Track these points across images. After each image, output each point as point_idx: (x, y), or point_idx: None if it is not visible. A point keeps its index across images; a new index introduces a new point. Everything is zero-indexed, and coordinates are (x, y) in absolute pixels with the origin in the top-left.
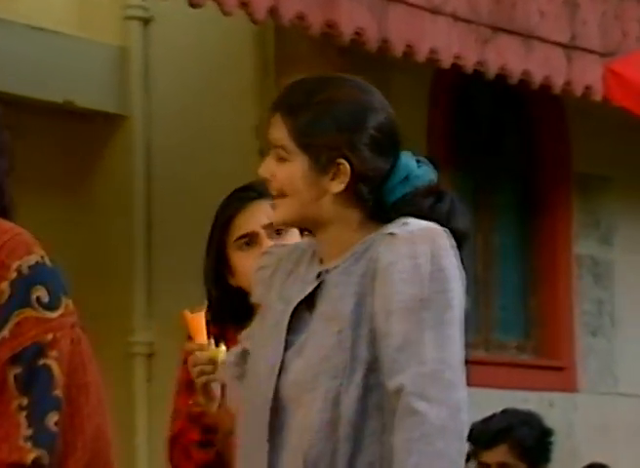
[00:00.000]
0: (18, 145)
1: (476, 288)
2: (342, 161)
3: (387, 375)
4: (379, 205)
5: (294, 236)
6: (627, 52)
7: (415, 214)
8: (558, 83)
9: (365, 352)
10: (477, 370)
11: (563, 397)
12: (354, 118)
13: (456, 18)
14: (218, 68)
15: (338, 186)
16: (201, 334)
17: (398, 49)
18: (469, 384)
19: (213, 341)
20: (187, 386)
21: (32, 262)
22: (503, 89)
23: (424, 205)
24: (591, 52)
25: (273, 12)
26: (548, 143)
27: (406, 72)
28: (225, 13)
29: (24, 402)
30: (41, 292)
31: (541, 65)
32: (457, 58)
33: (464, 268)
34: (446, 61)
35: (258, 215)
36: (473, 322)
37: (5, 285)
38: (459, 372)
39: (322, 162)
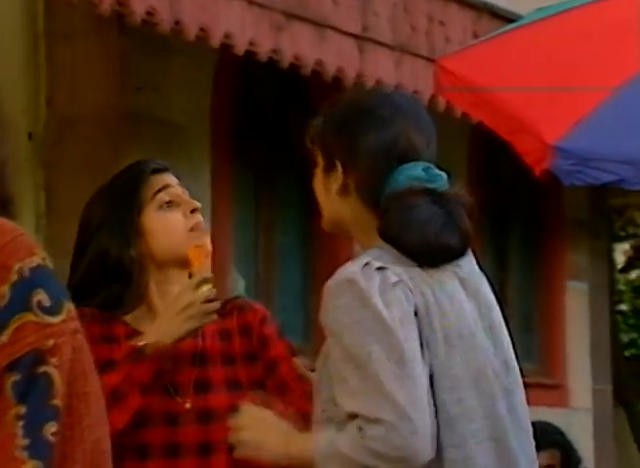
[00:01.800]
0: None
1: (257, 288)
2: (338, 162)
3: None
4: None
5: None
6: (416, 46)
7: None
8: (350, 75)
9: None
10: None
11: None
12: (352, 123)
13: (250, 2)
14: None
15: (335, 184)
16: (205, 269)
17: (191, 32)
18: None
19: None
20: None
21: (34, 264)
22: (292, 78)
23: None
24: (383, 44)
25: None
26: None
27: (187, 55)
28: None
29: (22, 411)
30: (42, 297)
31: (335, 56)
32: (251, 45)
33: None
34: (240, 47)
35: (173, 180)
36: None
37: (5, 288)
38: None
39: (327, 164)
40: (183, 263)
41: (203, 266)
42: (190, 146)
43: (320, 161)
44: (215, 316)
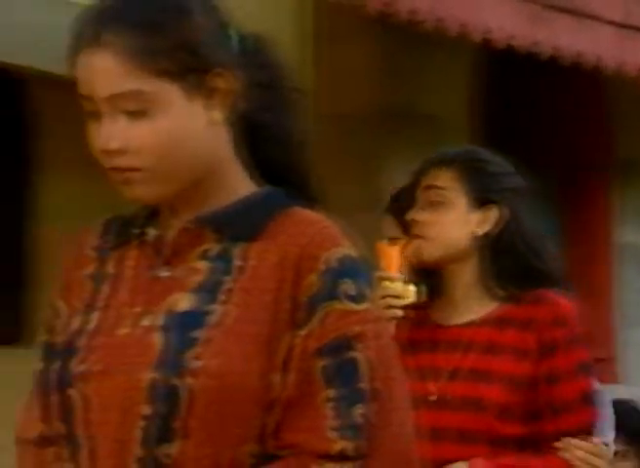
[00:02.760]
0: None
1: None
2: None
3: None
4: None
5: None
6: None
7: None
8: (611, 65)
9: None
10: None
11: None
12: None
13: None
14: None
15: None
16: (393, 267)
17: (453, 29)
18: None
19: (402, 277)
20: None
21: (340, 255)
22: (550, 70)
23: None
24: None
25: None
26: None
27: (446, 51)
28: None
29: (331, 394)
30: (348, 285)
31: (594, 45)
32: (510, 38)
33: None
34: (500, 42)
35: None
36: None
37: (314, 277)
38: None
39: None
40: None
41: (392, 263)
42: (449, 139)
43: None
44: (397, 313)
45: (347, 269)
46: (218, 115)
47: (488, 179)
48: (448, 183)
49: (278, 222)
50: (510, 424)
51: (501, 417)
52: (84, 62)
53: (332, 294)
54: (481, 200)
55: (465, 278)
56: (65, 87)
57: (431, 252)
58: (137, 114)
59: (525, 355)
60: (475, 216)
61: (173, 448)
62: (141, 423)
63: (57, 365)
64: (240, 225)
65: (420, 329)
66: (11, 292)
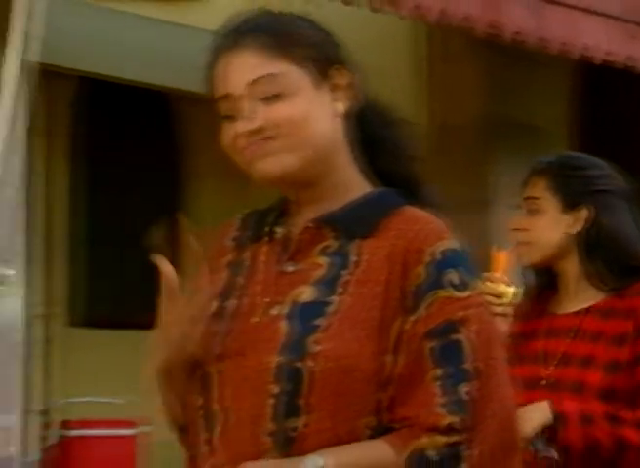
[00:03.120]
0: None
1: None
2: None
3: None
4: None
5: None
6: None
7: None
8: None
9: None
10: None
11: None
12: None
13: (606, 16)
14: (375, 68)
15: None
16: (499, 270)
17: (554, 47)
18: None
19: (505, 279)
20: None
21: (443, 248)
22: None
23: None
24: None
25: (443, 14)
26: None
27: (547, 67)
28: (374, 9)
29: (438, 373)
30: (452, 275)
31: None
32: (607, 55)
33: None
34: (598, 58)
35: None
36: None
37: (421, 268)
38: None
39: None
40: None
41: (498, 266)
42: (550, 147)
43: None
44: (495, 310)
45: (450, 260)
46: (340, 108)
47: (576, 184)
48: (540, 193)
49: (389, 220)
50: (613, 407)
51: (604, 400)
52: (222, 63)
53: (437, 284)
54: (571, 203)
55: (571, 273)
56: (210, 105)
57: (531, 255)
58: (272, 99)
59: (624, 341)
60: (566, 219)
61: (298, 423)
62: (271, 400)
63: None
64: (356, 225)
65: (538, 319)
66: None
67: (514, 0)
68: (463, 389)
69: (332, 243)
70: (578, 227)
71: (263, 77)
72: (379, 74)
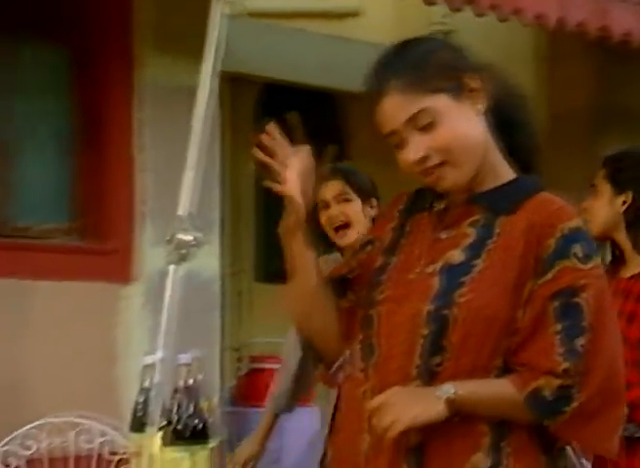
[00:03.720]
0: None
1: None
2: None
3: None
4: None
5: None
6: None
7: None
8: None
9: None
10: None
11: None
12: None
13: None
14: (503, 68)
15: None
16: None
17: None
18: None
19: None
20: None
21: (572, 226)
22: None
23: None
24: None
25: (559, 21)
26: None
27: None
28: (501, 19)
29: (558, 327)
30: (577, 249)
31: None
32: None
33: None
34: None
35: None
36: None
37: (552, 241)
38: None
39: None
40: None
41: None
42: None
43: None
44: None
45: (577, 237)
46: (480, 106)
47: (623, 174)
48: (599, 181)
49: (529, 201)
50: None
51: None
52: (381, 110)
53: (564, 255)
54: (619, 188)
55: (626, 244)
56: (367, 102)
57: (592, 229)
58: (427, 127)
59: None
60: (617, 200)
61: (441, 360)
62: (420, 340)
63: (364, 291)
64: (501, 203)
65: (612, 282)
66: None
67: (621, 7)
68: (579, 342)
69: (480, 217)
70: (624, 207)
71: (416, 113)
72: (507, 73)
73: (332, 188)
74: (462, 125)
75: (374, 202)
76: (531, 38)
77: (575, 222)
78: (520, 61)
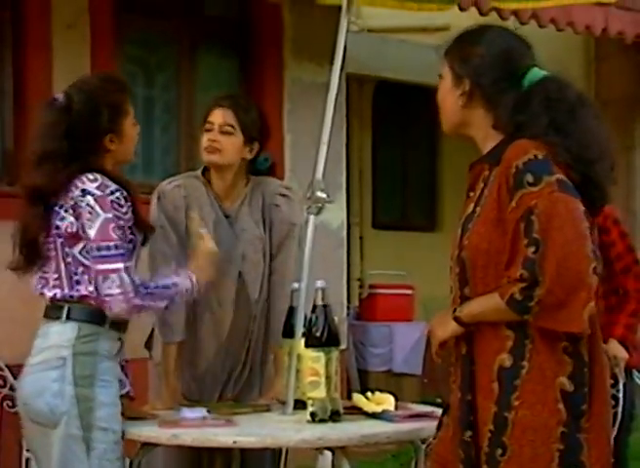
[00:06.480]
0: None
1: None
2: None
3: None
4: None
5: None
6: None
7: None
8: None
9: None
10: None
11: None
12: None
13: None
14: (560, 67)
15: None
16: None
17: None
18: None
19: None
20: None
21: (525, 160)
22: None
23: None
24: None
25: (604, 30)
26: None
27: None
28: (559, 29)
29: (525, 242)
30: (529, 177)
31: None
32: None
33: None
34: None
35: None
36: None
37: (511, 176)
38: None
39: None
40: None
41: None
42: None
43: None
44: None
45: (528, 167)
46: (464, 90)
47: None
48: None
49: (507, 149)
50: None
51: None
52: None
53: (520, 184)
54: None
55: None
56: None
57: None
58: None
59: None
60: None
61: (468, 290)
62: (457, 277)
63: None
64: (496, 156)
65: None
66: (430, 195)
67: None
68: (530, 250)
69: (487, 172)
70: None
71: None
72: (563, 71)
73: (220, 115)
74: (443, 97)
75: (256, 146)
76: (582, 43)
77: (529, 155)
78: (573, 61)
